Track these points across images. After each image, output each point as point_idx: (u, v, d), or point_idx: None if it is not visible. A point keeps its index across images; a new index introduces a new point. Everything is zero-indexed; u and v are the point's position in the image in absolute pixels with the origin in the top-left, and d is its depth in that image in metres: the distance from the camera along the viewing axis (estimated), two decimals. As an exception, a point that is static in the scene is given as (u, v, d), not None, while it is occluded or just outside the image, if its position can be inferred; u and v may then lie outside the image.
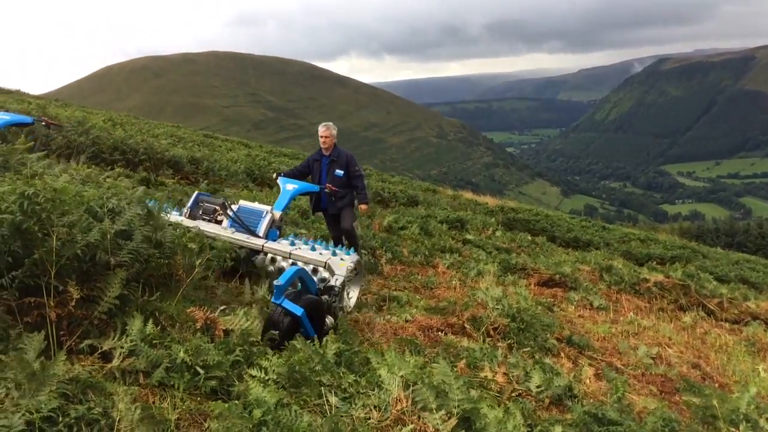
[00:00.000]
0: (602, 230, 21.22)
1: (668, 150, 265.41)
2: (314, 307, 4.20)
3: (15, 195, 3.58)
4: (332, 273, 5.12)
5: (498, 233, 14.65)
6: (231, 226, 5.81)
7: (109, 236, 3.80)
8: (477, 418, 3.21)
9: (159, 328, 3.48)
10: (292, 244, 5.59)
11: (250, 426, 2.56)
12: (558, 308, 8.06)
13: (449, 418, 3.12)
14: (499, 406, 3.59)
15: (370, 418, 3.09)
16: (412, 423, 3.07)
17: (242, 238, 5.54)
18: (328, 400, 3.17)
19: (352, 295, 5.65)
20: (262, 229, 5.79)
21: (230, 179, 13.35)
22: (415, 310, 6.24)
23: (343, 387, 3.38)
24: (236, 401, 2.75)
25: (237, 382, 3.20)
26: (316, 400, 3.21)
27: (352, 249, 5.94)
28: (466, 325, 5.86)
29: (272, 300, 3.89)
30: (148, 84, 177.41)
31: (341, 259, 5.32)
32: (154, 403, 2.94)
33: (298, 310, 3.89)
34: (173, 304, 4.01)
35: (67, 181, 4.71)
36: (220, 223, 5.88)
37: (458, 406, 3.22)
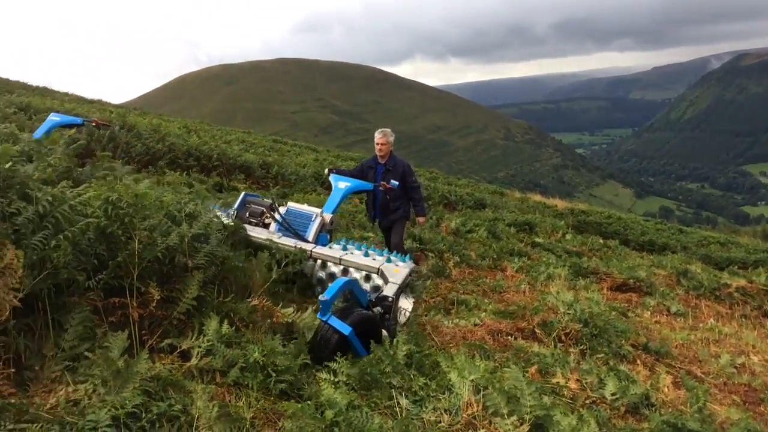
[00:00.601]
0: (679, 233, 20.44)
1: (749, 149, 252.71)
2: (365, 323, 3.86)
3: (100, 200, 3.76)
4: (385, 281, 4.75)
5: (568, 236, 14.33)
6: (278, 230, 5.50)
7: (186, 239, 3.94)
8: (550, 424, 3.15)
9: (234, 328, 3.58)
10: (344, 248, 5.27)
11: (323, 426, 2.60)
12: (633, 314, 7.80)
13: (521, 424, 3.07)
14: (572, 413, 3.51)
15: (440, 422, 3.09)
16: (483, 428, 3.04)
17: (289, 243, 5.11)
18: (398, 403, 3.18)
19: (408, 306, 5.19)
20: (311, 234, 5.50)
21: (299, 183, 13.60)
22: (483, 313, 6.17)
23: (413, 390, 3.39)
24: (308, 402, 2.79)
25: (307, 385, 3.26)
26: (386, 402, 3.23)
27: (407, 256, 5.53)
28: (536, 330, 5.75)
29: (318, 315, 3.58)
30: (220, 92, 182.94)
31: (396, 266, 4.93)
32: (230, 401, 3.03)
33: (345, 329, 3.55)
34: (247, 306, 4.13)
35: (147, 187, 4.91)
36: (267, 226, 5.57)
37: (530, 412, 3.17)
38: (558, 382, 4.32)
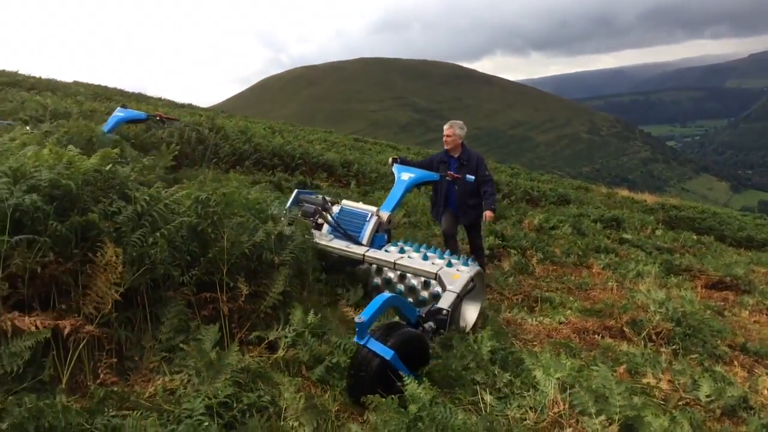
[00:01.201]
0: (780, 228, 19.18)
1: None
2: (411, 343, 3.36)
3: (190, 200, 3.94)
4: (443, 288, 4.27)
5: (658, 232, 13.74)
6: (330, 231, 5.15)
7: (272, 237, 4.07)
8: (640, 425, 3.04)
9: (319, 317, 3.67)
10: (402, 251, 4.90)
11: (406, 421, 2.62)
12: (729, 313, 7.40)
13: (610, 425, 2.98)
14: (664, 414, 3.37)
15: (526, 419, 3.04)
16: (570, 427, 2.97)
17: (341, 246, 4.81)
18: (482, 399, 3.16)
19: (471, 315, 4.74)
20: (365, 235, 5.14)
21: (380, 181, 13.70)
22: (568, 311, 6.02)
23: (497, 387, 3.36)
24: (392, 396, 2.82)
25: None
26: (470, 398, 3.22)
27: (471, 258, 5.11)
28: (625, 329, 5.56)
29: (355, 339, 3.14)
30: (302, 93, 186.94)
31: (457, 271, 4.50)
32: (316, 393, 3.10)
33: (387, 353, 3.08)
34: (327, 302, 4.22)
35: (234, 187, 5.09)
36: (320, 227, 5.17)
37: (620, 412, 3.07)
38: (648, 383, 4.16)
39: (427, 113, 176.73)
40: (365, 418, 2.76)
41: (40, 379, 2.73)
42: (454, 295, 4.08)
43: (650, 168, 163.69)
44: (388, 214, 5.45)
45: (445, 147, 6.72)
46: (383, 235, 5.34)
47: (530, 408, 3.14)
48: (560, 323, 5.59)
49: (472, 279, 4.37)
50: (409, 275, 4.66)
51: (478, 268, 4.77)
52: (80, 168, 3.31)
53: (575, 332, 5.41)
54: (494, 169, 26.83)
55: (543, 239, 9.92)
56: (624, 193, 25.44)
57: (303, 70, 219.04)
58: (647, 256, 10.32)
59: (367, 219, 5.27)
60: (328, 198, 5.57)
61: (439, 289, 4.42)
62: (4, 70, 19.95)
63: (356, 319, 3.11)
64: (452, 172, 6.34)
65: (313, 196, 5.44)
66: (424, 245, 5.20)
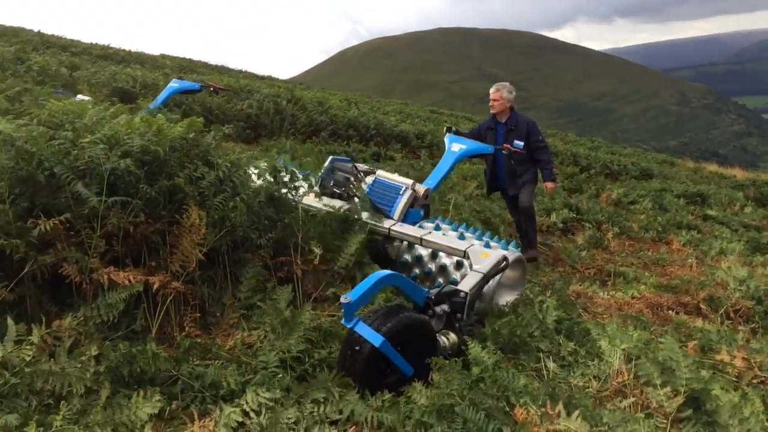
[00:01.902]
0: None
1: None
2: (412, 331, 2.99)
3: (266, 167, 4.14)
4: (470, 267, 3.91)
5: (747, 209, 13.09)
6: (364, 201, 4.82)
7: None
8: (708, 399, 3.01)
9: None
10: (438, 228, 4.56)
11: (469, 381, 2.71)
12: (819, 294, 7.04)
13: (675, 396, 2.97)
14: (735, 390, 3.32)
15: (588, 387, 3.07)
16: (633, 396, 2.99)
17: (367, 218, 4.57)
18: (546, 366, 3.22)
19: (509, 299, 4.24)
20: (397, 210, 4.81)
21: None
22: (643, 287, 5.91)
23: (561, 355, 3.39)
24: (456, 359, 2.92)
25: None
26: (533, 365, 3.28)
27: (513, 243, 4.69)
28: (701, 306, 5.42)
29: (342, 321, 2.80)
30: (380, 64, 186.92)
31: (489, 248, 4.15)
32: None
33: (376, 340, 2.73)
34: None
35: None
36: (351, 198, 4.80)
37: (686, 384, 3.05)
38: (722, 360, 4.07)
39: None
40: (429, 377, 2.88)
41: (132, 328, 2.99)
42: (479, 276, 3.67)
43: (744, 142, 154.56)
44: (425, 188, 5.06)
45: (492, 111, 6.34)
46: (419, 210, 5.01)
47: (594, 377, 3.16)
48: (633, 297, 5.50)
49: (505, 259, 3.90)
50: (441, 254, 4.34)
51: (518, 253, 4.34)
52: (168, 135, 3.54)
53: (648, 307, 5.32)
54: (573, 142, 26.13)
55: (620, 214, 9.68)
56: (712, 168, 24.32)
57: (381, 42, 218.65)
58: (732, 234, 9.90)
59: (401, 192, 4.93)
60: (364, 167, 5.38)
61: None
62: (97, 44, 21.01)
63: (342, 299, 2.73)
64: (504, 143, 6.01)
65: (348, 164, 5.18)
66: (464, 225, 4.89)
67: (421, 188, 5.00)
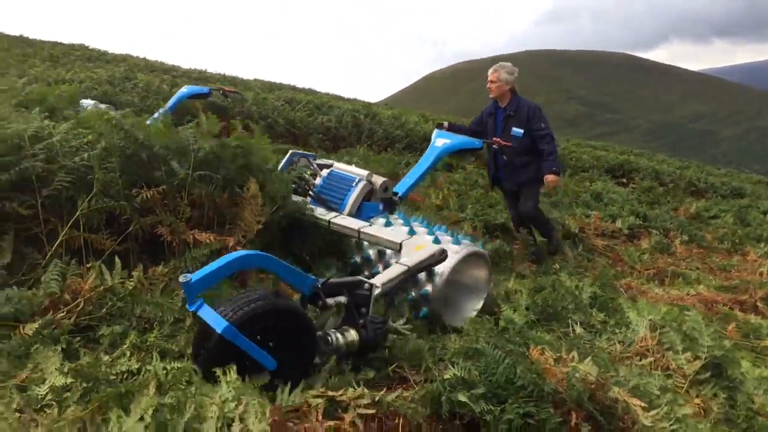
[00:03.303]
0: None
1: None
2: (272, 319, 2.58)
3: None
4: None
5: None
6: (312, 202, 4.48)
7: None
8: (729, 364, 3.21)
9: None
10: (388, 224, 4.15)
11: (496, 330, 3.07)
12: None
13: (695, 360, 3.19)
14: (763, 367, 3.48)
15: (611, 350, 3.34)
16: (653, 357, 3.23)
17: (320, 214, 4.17)
18: (573, 330, 3.51)
19: (470, 311, 3.73)
20: (348, 203, 4.48)
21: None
22: (702, 287, 5.96)
23: (591, 324, 3.67)
24: (488, 317, 3.28)
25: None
26: (562, 330, 3.58)
27: (480, 243, 4.17)
28: (758, 304, 5.45)
29: (188, 307, 2.47)
30: (465, 87, 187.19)
31: (423, 242, 3.62)
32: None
33: (219, 325, 2.37)
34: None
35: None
36: (307, 193, 4.61)
37: (708, 352, 3.26)
38: (765, 345, 4.18)
39: (597, 107, 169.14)
40: (460, 326, 3.25)
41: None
42: (400, 269, 3.26)
43: None
44: (384, 180, 4.71)
45: (491, 96, 5.85)
46: (377, 204, 4.63)
47: (619, 342, 3.43)
48: (688, 294, 5.60)
49: (441, 253, 3.40)
50: (387, 252, 3.96)
51: (472, 249, 3.74)
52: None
53: (702, 302, 5.40)
54: (661, 161, 25.43)
55: (694, 224, 9.58)
56: (814, 188, 22.99)
57: (466, 65, 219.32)
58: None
59: (353, 184, 4.60)
60: (323, 161, 5.17)
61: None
62: (195, 69, 22.66)
63: (180, 279, 2.41)
64: (502, 131, 5.55)
65: (310, 158, 5.02)
66: (443, 227, 4.26)
67: (378, 180, 4.69)
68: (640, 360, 3.20)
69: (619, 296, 4.30)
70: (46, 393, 2.13)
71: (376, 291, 3.04)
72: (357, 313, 2.95)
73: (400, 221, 4.20)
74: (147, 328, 2.85)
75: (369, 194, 4.64)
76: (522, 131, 5.59)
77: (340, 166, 4.86)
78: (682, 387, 3.06)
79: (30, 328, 2.50)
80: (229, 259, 2.54)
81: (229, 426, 1.89)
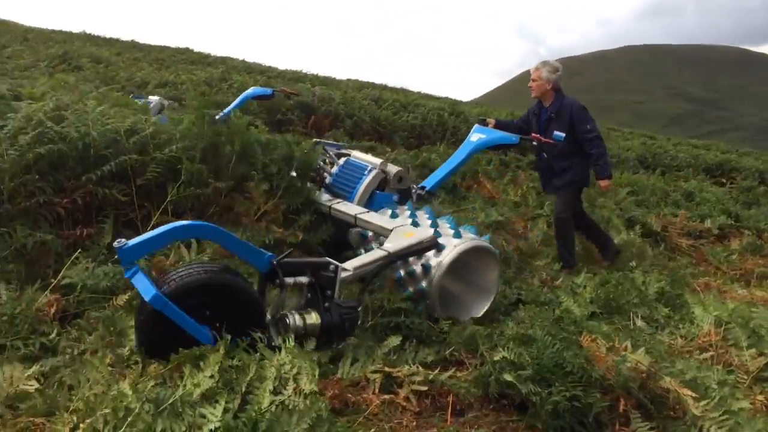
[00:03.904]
0: None
1: None
2: (213, 293, 2.52)
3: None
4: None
5: None
6: (325, 190, 4.49)
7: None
8: (796, 364, 3.13)
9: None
10: (394, 215, 3.95)
11: (550, 317, 3.15)
12: None
13: (759, 356, 3.14)
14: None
15: (672, 343, 3.33)
16: (715, 352, 3.20)
17: (325, 200, 4.21)
18: (634, 323, 3.52)
19: (478, 309, 3.61)
20: (359, 191, 4.31)
21: (620, 166, 13.50)
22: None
23: (654, 318, 3.65)
24: (546, 306, 3.35)
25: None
26: (624, 323, 3.59)
27: (486, 237, 3.91)
28: None
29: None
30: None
31: (413, 230, 3.53)
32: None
33: (147, 292, 2.32)
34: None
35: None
36: (322, 182, 4.59)
37: (773, 349, 3.20)
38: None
39: (704, 103, 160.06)
40: (516, 311, 3.35)
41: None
42: (379, 254, 3.20)
43: None
44: (399, 170, 4.54)
45: (532, 95, 5.48)
46: (390, 194, 4.45)
47: (681, 336, 3.41)
48: (775, 294, 5.37)
49: (431, 240, 3.33)
50: (381, 239, 3.74)
51: (474, 242, 3.49)
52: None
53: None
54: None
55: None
56: None
57: (563, 62, 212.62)
58: None
59: (365, 173, 4.42)
60: (342, 151, 5.01)
61: (432, 258, 3.41)
62: (290, 69, 23.54)
63: (115, 243, 2.36)
64: (544, 134, 5.17)
65: (332, 149, 4.94)
66: (449, 217, 4.03)
67: (393, 169, 4.50)
68: (701, 354, 3.18)
69: (686, 294, 4.22)
70: (132, 353, 2.46)
71: (346, 274, 2.97)
72: (321, 295, 2.86)
73: (408, 212, 3.94)
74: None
75: (383, 184, 4.50)
76: (563, 135, 5.15)
77: (356, 155, 4.73)
78: (744, 383, 3.03)
79: (121, 300, 2.85)
80: (167, 228, 2.47)
81: (285, 385, 2.11)
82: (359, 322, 3.02)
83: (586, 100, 5.91)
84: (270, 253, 2.75)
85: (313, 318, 2.77)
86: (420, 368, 2.87)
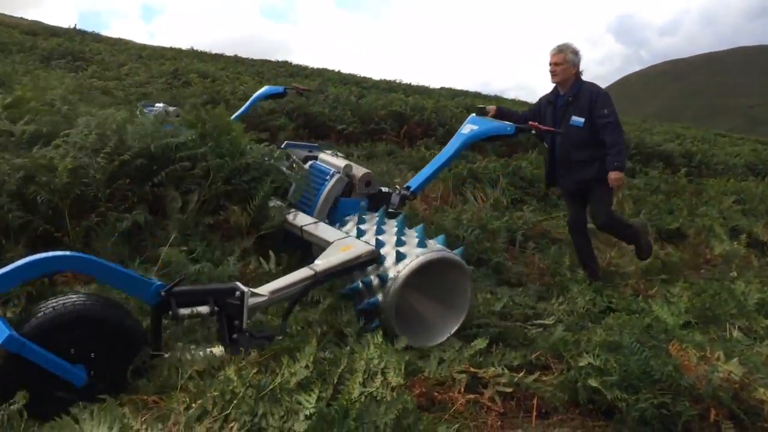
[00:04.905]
0: None
1: None
2: (81, 327, 2.23)
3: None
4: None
5: None
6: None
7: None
8: None
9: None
10: (362, 220, 3.62)
11: (640, 326, 3.13)
12: None
13: None
14: None
15: (771, 356, 3.22)
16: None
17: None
18: (730, 334, 3.42)
19: (450, 326, 3.27)
20: (320, 199, 3.91)
21: (726, 173, 12.85)
22: None
23: (753, 329, 3.53)
24: (637, 314, 3.33)
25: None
26: (720, 333, 3.49)
27: (460, 250, 3.38)
28: None
29: None
30: (667, 89, 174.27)
31: (353, 243, 3.21)
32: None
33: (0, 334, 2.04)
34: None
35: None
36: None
37: None
38: None
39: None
40: (604, 321, 3.34)
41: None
42: (305, 274, 2.89)
43: None
44: (366, 172, 4.10)
45: (552, 80, 4.89)
46: (358, 200, 4.02)
47: (781, 349, 3.28)
48: None
49: (369, 254, 3.05)
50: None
51: (438, 254, 3.13)
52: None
53: None
54: None
55: None
56: None
57: (668, 65, 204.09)
58: None
59: (327, 178, 4.00)
60: (311, 153, 4.63)
61: (390, 270, 3.03)
62: (385, 79, 24.00)
63: None
64: (561, 120, 4.69)
65: (302, 151, 4.61)
66: (420, 227, 3.38)
67: (359, 172, 4.05)
68: (802, 367, 3.06)
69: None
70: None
71: (258, 299, 2.67)
72: (228, 326, 2.56)
73: (376, 218, 3.56)
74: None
75: (350, 189, 4.06)
76: (582, 120, 4.61)
77: (325, 158, 4.34)
78: None
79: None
80: (29, 261, 2.20)
81: (373, 378, 2.26)
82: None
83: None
84: (158, 282, 2.45)
85: (218, 353, 2.48)
86: (506, 370, 2.93)
